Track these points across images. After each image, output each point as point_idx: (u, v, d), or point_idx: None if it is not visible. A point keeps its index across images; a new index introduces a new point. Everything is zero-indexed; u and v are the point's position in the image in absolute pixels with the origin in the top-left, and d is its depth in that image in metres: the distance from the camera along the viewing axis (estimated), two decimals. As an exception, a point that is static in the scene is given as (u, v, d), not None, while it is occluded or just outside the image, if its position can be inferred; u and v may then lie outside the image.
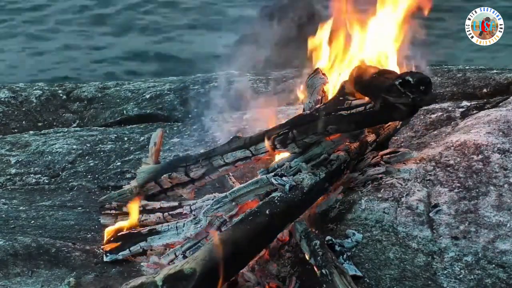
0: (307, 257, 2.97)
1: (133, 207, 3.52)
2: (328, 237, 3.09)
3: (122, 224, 3.53)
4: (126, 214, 3.57)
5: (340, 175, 3.35)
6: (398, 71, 3.28)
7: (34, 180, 4.72)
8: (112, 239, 3.47)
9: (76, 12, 13.43)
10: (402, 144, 4.11)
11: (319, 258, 2.87)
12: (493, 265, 2.98)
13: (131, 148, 4.98)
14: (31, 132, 5.58)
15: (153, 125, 5.50)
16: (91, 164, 4.82)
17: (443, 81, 5.18)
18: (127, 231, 3.49)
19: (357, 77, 3.14)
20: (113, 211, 3.64)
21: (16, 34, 12.54)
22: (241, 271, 2.95)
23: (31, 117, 5.91)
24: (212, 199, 3.35)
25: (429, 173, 3.41)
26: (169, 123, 5.48)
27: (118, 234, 3.49)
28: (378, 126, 3.59)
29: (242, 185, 3.28)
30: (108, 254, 3.44)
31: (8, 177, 4.77)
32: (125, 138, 5.16)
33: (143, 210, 3.56)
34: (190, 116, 5.57)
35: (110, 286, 3.20)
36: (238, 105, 5.44)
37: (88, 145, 5.08)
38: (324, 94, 3.37)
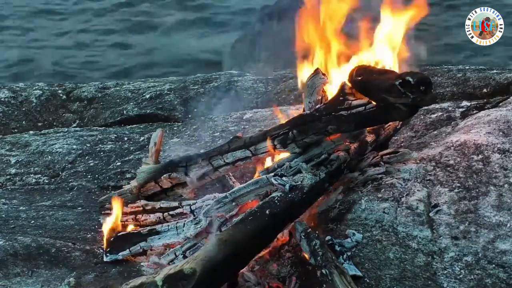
0: (307, 257, 2.97)
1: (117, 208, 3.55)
2: (328, 237, 3.09)
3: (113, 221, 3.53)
4: (126, 214, 3.57)
5: (340, 175, 3.35)
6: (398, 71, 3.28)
7: (34, 180, 4.72)
8: (112, 239, 3.47)
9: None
10: (402, 144, 4.11)
11: (319, 258, 2.87)
12: (493, 265, 2.98)
13: (131, 148, 4.98)
14: (31, 132, 5.58)
15: (153, 125, 5.50)
16: (91, 164, 4.82)
17: (443, 81, 5.18)
18: (127, 231, 3.50)
19: (357, 77, 3.14)
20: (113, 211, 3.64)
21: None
22: (241, 271, 2.95)
23: (31, 117, 5.92)
24: (212, 199, 3.35)
25: (429, 173, 3.41)
26: (169, 123, 5.49)
27: (118, 234, 3.49)
28: (378, 126, 3.59)
29: (242, 185, 3.28)
30: (108, 254, 3.44)
31: (8, 177, 4.77)
32: (125, 138, 5.16)
33: (143, 210, 3.56)
34: (190, 116, 5.57)
35: (110, 286, 3.20)
36: (238, 105, 5.45)
37: (88, 145, 5.08)
38: (324, 94, 3.37)
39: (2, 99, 5.99)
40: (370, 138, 3.54)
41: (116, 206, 3.53)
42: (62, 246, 3.58)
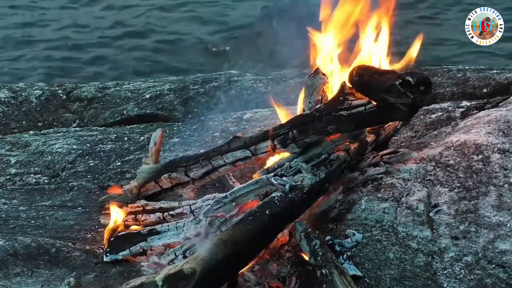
0: (307, 257, 2.97)
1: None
2: (328, 237, 3.09)
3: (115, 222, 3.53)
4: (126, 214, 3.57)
5: (340, 175, 3.35)
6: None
7: (34, 180, 4.72)
8: (112, 239, 3.47)
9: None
10: (402, 144, 4.11)
11: (319, 258, 2.87)
12: (493, 265, 2.98)
13: (131, 148, 4.98)
14: (31, 132, 5.58)
15: (153, 125, 5.50)
16: (91, 164, 4.82)
17: (443, 81, 5.18)
18: (127, 231, 3.50)
19: (357, 77, 3.15)
20: (113, 211, 3.64)
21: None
22: (241, 271, 2.95)
23: (31, 117, 5.92)
24: (212, 199, 3.35)
25: (429, 173, 3.41)
26: (169, 123, 5.49)
27: (118, 234, 3.49)
28: (378, 126, 3.59)
29: (242, 185, 3.28)
30: (108, 254, 3.44)
31: (8, 177, 4.77)
32: (125, 138, 5.16)
33: (143, 210, 3.56)
34: (190, 116, 5.57)
35: (110, 286, 3.20)
36: (238, 105, 5.45)
37: (88, 145, 5.08)
38: (324, 94, 3.37)
39: (2, 99, 5.98)
40: (370, 138, 3.55)
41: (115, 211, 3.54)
42: (62, 246, 3.58)
